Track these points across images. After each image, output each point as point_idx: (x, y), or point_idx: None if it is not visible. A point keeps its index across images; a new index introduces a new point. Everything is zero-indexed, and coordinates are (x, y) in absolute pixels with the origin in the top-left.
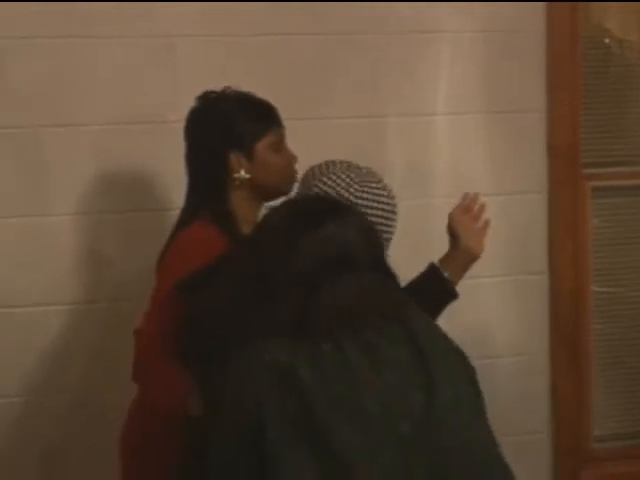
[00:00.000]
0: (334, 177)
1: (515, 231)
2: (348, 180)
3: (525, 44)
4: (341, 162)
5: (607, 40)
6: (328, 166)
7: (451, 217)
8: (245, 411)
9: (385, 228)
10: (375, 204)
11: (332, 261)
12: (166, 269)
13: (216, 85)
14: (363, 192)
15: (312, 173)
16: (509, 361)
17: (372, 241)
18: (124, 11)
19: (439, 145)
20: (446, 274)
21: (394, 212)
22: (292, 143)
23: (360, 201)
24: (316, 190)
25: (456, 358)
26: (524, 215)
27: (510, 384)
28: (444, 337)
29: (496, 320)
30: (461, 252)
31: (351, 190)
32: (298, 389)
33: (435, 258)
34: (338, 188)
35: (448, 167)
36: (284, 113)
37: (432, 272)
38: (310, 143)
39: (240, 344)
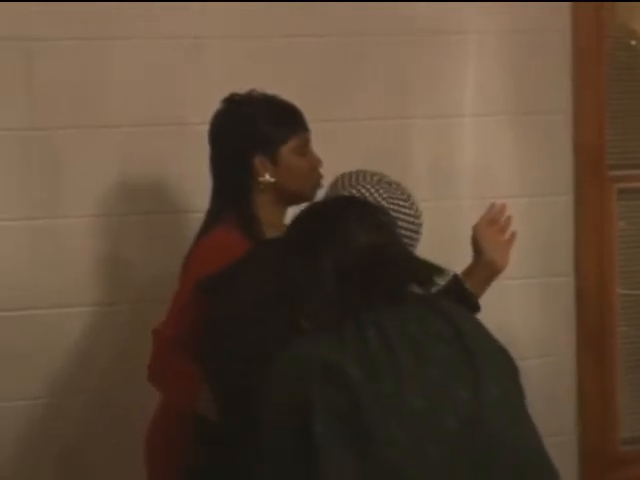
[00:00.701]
0: (363, 190)
1: (541, 233)
2: (376, 195)
3: (550, 44)
4: (372, 174)
5: (633, 42)
6: (358, 177)
7: (476, 229)
8: (293, 409)
9: (408, 247)
10: (400, 222)
11: (358, 262)
12: (188, 273)
13: (241, 87)
14: (391, 209)
15: (342, 182)
16: (535, 363)
17: (397, 240)
18: (147, 12)
19: (464, 146)
20: (468, 286)
21: (418, 232)
22: (317, 145)
23: None
24: None
25: (502, 357)
26: (550, 217)
27: (536, 386)
28: (490, 336)
29: (522, 322)
30: (484, 266)
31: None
32: (346, 386)
33: (459, 259)
34: None
35: (473, 169)
36: (309, 115)
37: (454, 284)
38: (335, 145)
39: (271, 344)
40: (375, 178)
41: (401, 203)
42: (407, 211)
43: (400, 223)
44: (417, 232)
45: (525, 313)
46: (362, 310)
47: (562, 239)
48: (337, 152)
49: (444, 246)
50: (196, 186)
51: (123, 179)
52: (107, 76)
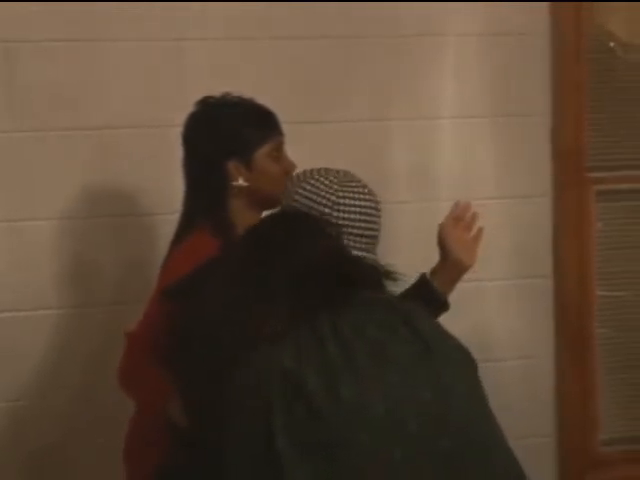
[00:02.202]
0: (313, 182)
1: (520, 234)
2: (327, 182)
3: (530, 47)
4: (318, 169)
5: (612, 44)
6: (305, 173)
7: (441, 228)
8: (255, 420)
9: (370, 225)
10: (357, 202)
11: (311, 266)
12: (163, 278)
13: (224, 88)
14: (344, 192)
15: (291, 183)
16: (514, 364)
17: (346, 248)
18: (131, 14)
19: (444, 148)
20: (436, 285)
21: (377, 209)
22: (298, 147)
23: (342, 200)
24: (297, 197)
25: (461, 355)
26: (529, 218)
27: (515, 387)
28: (448, 335)
29: (501, 323)
30: (451, 265)
31: (331, 191)
32: (305, 395)
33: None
34: (319, 191)
35: (453, 170)
36: (290, 116)
37: (422, 284)
38: (316, 147)
39: (236, 349)
40: (322, 170)
41: (354, 184)
42: (362, 190)
43: (358, 203)
44: (376, 209)
45: (504, 314)
46: (319, 313)
47: (541, 240)
48: (318, 154)
49: (424, 248)
50: (168, 188)
51: (95, 181)
52: (88, 77)
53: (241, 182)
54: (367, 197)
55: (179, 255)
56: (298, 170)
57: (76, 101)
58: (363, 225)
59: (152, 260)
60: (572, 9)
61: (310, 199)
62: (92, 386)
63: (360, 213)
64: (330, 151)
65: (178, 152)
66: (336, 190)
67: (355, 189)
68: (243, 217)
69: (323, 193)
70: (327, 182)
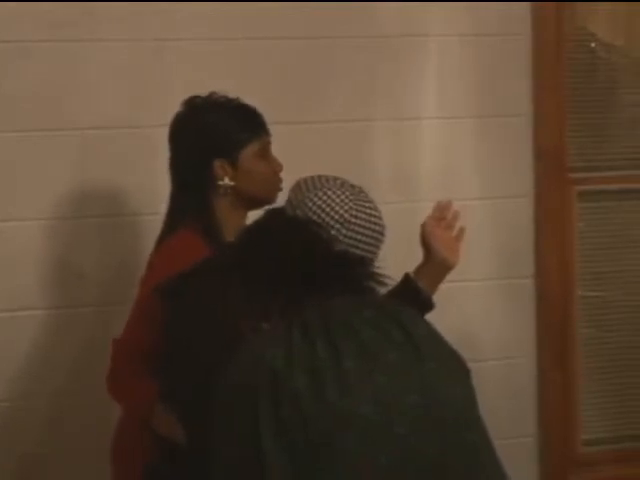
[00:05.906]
0: (329, 193)
1: (502, 235)
2: (343, 197)
3: (511, 48)
4: (334, 178)
5: (593, 44)
6: (321, 180)
7: (424, 228)
8: (241, 418)
9: (372, 249)
10: (368, 224)
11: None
12: (150, 277)
13: (206, 88)
14: (358, 211)
15: (305, 186)
16: (496, 364)
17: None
18: (115, 14)
19: (426, 149)
20: (421, 285)
21: (383, 234)
22: (281, 147)
23: (354, 220)
24: (308, 205)
25: (454, 360)
26: (511, 219)
27: (497, 388)
28: (442, 339)
29: (483, 324)
30: (436, 264)
31: (345, 208)
32: (293, 397)
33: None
34: (333, 204)
35: (435, 171)
36: (273, 117)
37: (407, 283)
38: (298, 147)
39: (224, 348)
40: (338, 182)
41: (367, 205)
42: (373, 213)
43: (367, 225)
44: (382, 234)
45: (486, 315)
46: (310, 313)
47: (523, 241)
48: (300, 154)
49: (407, 248)
50: (152, 188)
51: (79, 182)
52: (68, 78)
53: (227, 181)
54: (377, 221)
55: (163, 254)
56: (310, 175)
57: (60, 102)
58: (366, 247)
59: (137, 261)
60: (553, 10)
61: (322, 210)
62: (77, 387)
63: (367, 236)
64: (312, 152)
65: (162, 152)
66: (350, 208)
67: (368, 210)
68: (229, 216)
69: (337, 208)
70: (343, 197)
